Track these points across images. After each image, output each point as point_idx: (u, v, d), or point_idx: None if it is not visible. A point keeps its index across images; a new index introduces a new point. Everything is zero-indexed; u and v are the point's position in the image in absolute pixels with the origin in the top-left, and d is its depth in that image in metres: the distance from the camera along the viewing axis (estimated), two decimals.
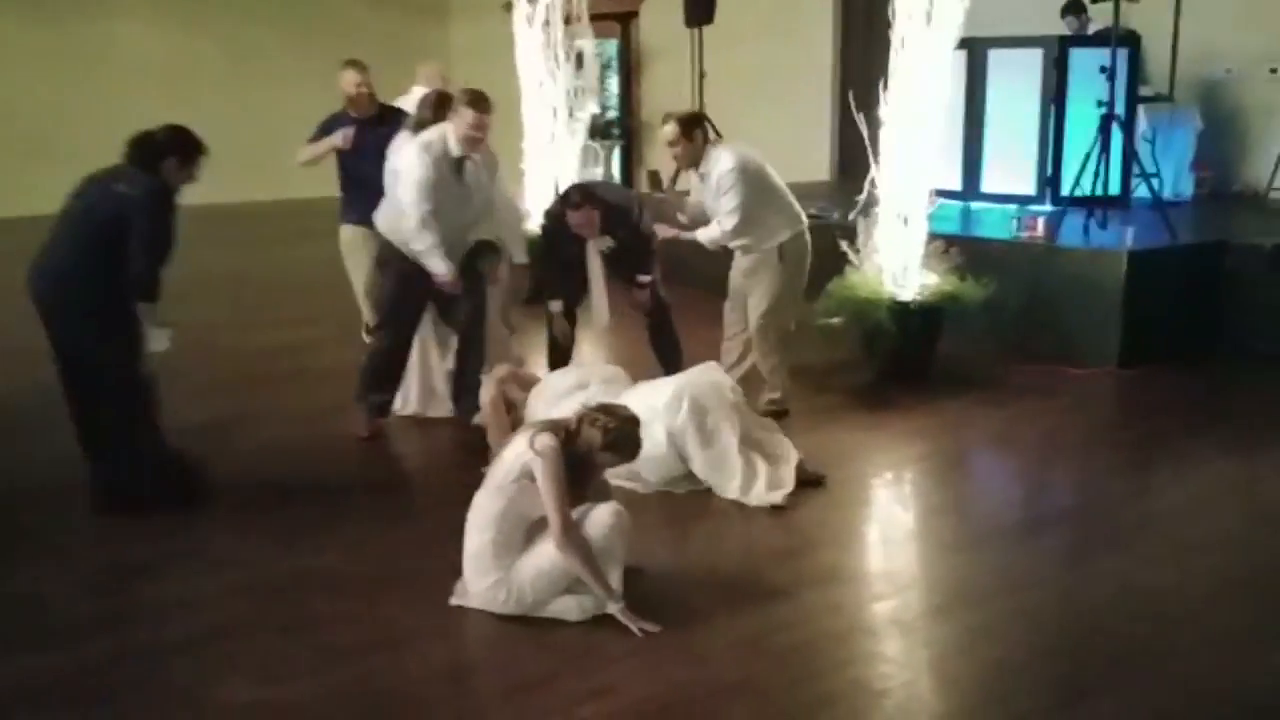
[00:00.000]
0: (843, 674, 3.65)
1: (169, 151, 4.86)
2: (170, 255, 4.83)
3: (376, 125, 6.55)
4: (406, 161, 5.57)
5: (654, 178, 5.79)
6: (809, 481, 5.11)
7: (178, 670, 3.70)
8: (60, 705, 3.54)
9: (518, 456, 3.89)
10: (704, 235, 6.00)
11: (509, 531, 3.93)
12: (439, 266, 5.60)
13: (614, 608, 3.87)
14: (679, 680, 3.59)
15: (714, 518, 4.89)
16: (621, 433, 3.99)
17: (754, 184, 5.88)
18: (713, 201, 5.94)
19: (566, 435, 3.94)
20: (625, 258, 6.15)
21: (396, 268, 5.78)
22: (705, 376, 5.26)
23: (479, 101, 5.54)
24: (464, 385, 5.94)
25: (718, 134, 10.27)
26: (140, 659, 3.77)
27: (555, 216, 6.15)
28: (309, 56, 15.98)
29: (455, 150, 5.57)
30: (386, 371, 5.93)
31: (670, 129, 5.90)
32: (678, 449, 5.04)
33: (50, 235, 4.85)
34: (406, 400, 6.22)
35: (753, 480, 5.01)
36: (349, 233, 6.78)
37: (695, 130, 5.92)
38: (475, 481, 4.13)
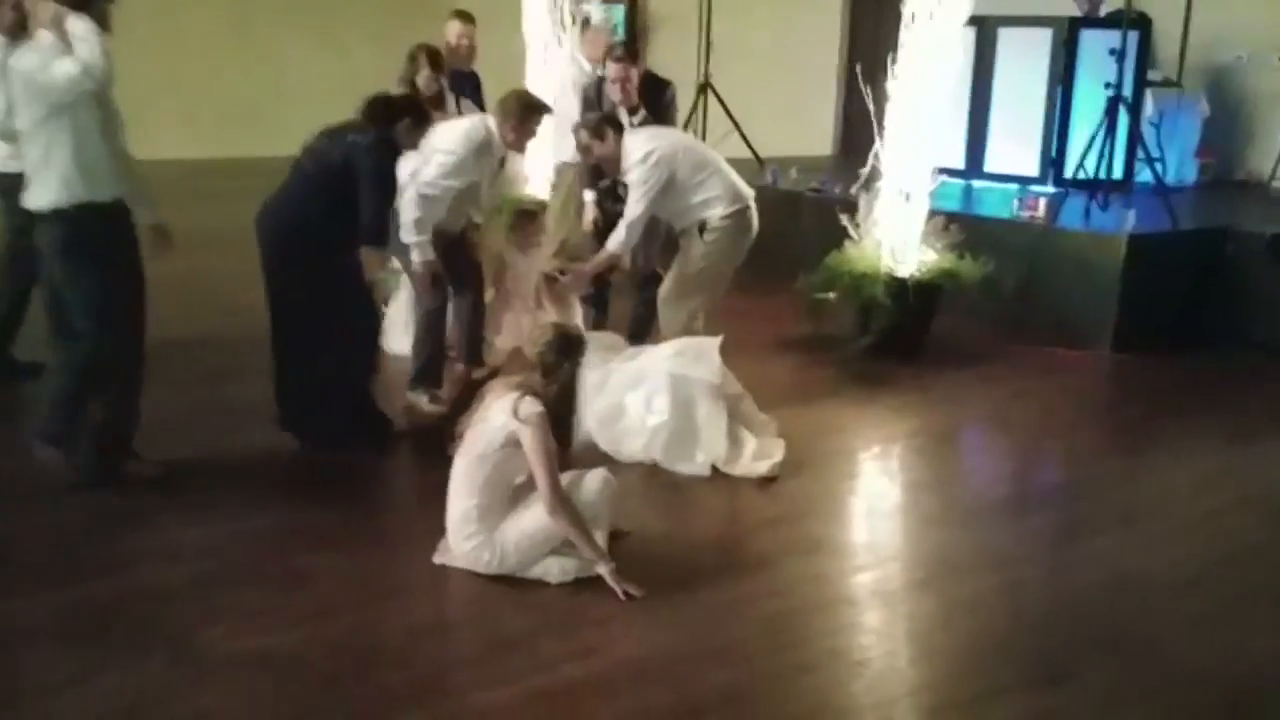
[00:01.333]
0: (823, 643, 3.68)
1: (405, 113, 5.07)
2: (390, 205, 5.10)
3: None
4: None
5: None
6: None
7: (169, 616, 3.73)
8: (54, 643, 3.59)
9: (503, 425, 3.88)
10: (612, 244, 5.63)
11: (493, 495, 3.95)
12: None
13: (604, 569, 3.89)
14: (660, 643, 3.62)
15: (700, 486, 4.90)
16: (557, 344, 3.99)
17: (673, 170, 5.52)
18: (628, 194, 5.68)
19: (534, 390, 3.93)
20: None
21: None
22: (689, 361, 5.13)
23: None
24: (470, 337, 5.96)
25: (724, 107, 10.27)
26: (132, 604, 3.80)
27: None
28: (314, 11, 15.89)
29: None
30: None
31: (581, 136, 5.67)
32: (654, 445, 5.04)
33: (283, 183, 5.05)
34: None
35: (739, 453, 5.02)
36: None
37: (605, 129, 5.58)
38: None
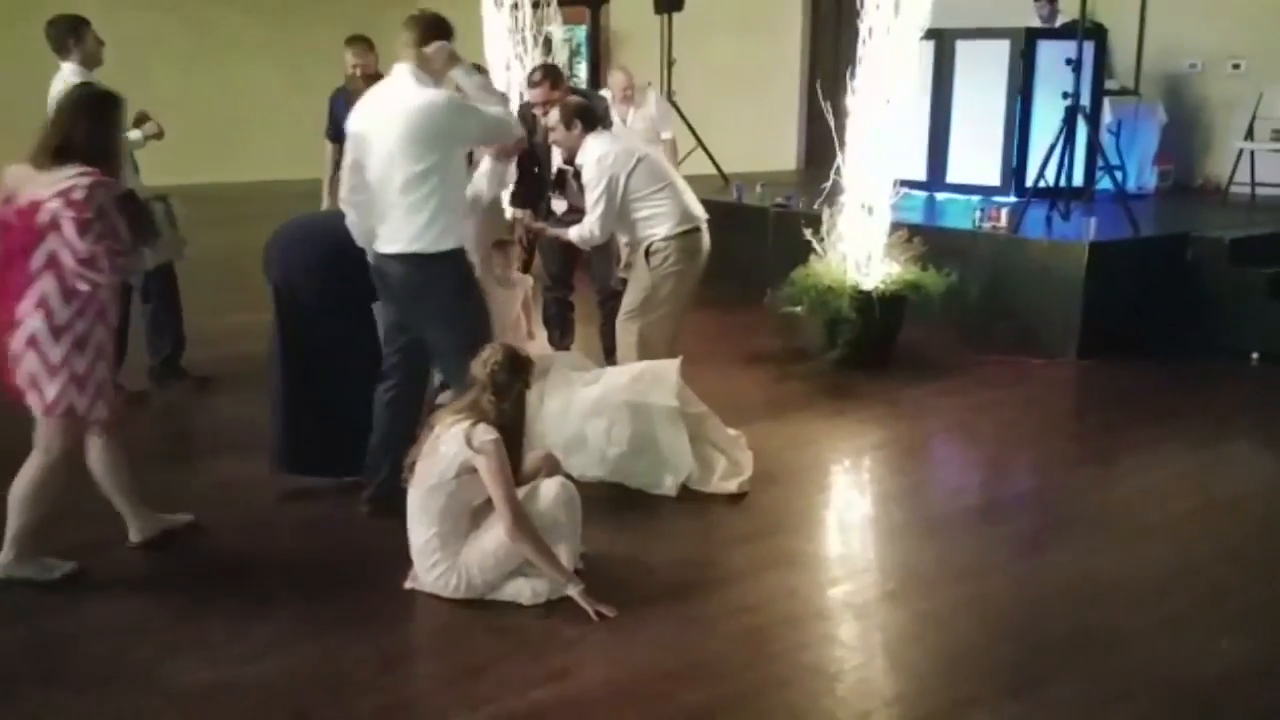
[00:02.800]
0: (797, 657, 3.67)
1: None
2: None
3: None
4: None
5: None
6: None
7: (135, 649, 3.68)
8: (17, 680, 3.51)
9: (456, 455, 3.83)
10: (574, 232, 5.64)
11: (453, 523, 3.91)
12: None
13: (573, 590, 3.87)
14: (633, 663, 3.59)
15: (670, 503, 4.88)
16: (508, 363, 3.92)
17: (625, 177, 5.46)
18: (584, 195, 5.65)
19: (484, 414, 3.88)
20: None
21: None
22: (646, 387, 5.04)
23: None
24: None
25: (688, 125, 10.30)
26: (98, 637, 3.75)
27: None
28: (274, 33, 15.85)
29: None
30: None
31: (553, 115, 5.63)
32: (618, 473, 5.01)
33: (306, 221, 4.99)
34: None
35: (708, 473, 5.00)
36: None
37: (574, 119, 5.54)
38: None
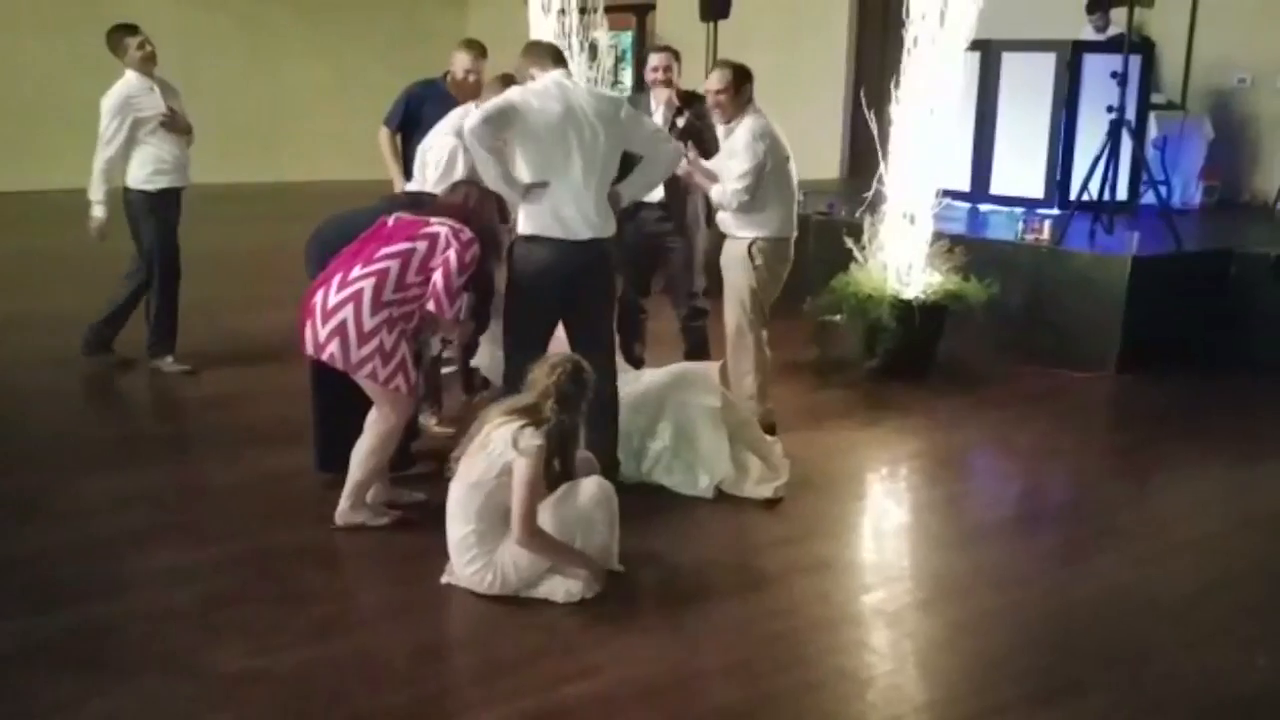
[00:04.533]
0: (828, 661, 3.69)
1: None
2: None
3: None
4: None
5: None
6: None
7: (173, 637, 3.75)
8: (57, 667, 3.58)
9: (500, 454, 3.89)
10: (715, 190, 5.66)
11: (490, 521, 3.95)
12: None
13: (587, 571, 3.94)
14: (665, 663, 3.62)
15: (706, 506, 4.91)
16: (575, 374, 4.00)
17: (769, 163, 5.56)
18: (726, 159, 5.68)
19: (540, 419, 3.94)
20: (698, 145, 5.91)
21: None
22: (690, 387, 5.14)
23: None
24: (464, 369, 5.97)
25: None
26: (136, 624, 3.82)
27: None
28: (325, 36, 16.00)
29: None
30: None
31: (720, 75, 5.63)
32: (656, 470, 5.06)
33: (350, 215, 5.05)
34: None
35: (743, 477, 5.03)
36: None
37: (745, 84, 5.66)
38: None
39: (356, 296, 4.22)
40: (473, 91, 6.04)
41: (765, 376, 5.78)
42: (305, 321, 4.32)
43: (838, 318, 6.85)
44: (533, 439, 3.86)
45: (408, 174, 6.11)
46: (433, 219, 4.40)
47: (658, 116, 6.00)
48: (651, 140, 4.87)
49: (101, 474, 5.14)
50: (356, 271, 4.27)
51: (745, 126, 5.59)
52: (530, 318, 4.72)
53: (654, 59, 6.25)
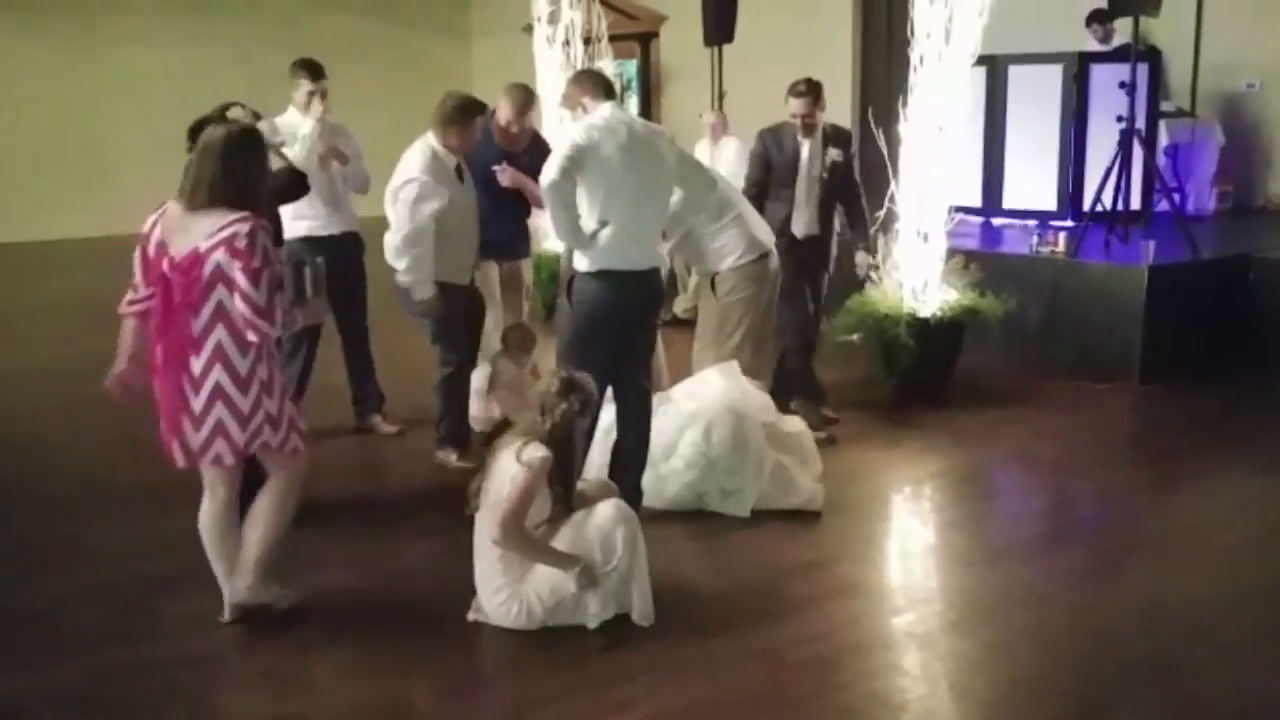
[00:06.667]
0: (861, 686, 3.65)
1: None
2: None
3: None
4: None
5: None
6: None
7: (193, 683, 3.74)
8: (77, 713, 3.58)
9: (507, 470, 3.90)
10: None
11: None
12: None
13: (575, 569, 3.89)
14: (698, 693, 3.60)
15: (735, 532, 4.90)
16: (561, 386, 4.01)
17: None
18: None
19: (541, 434, 3.96)
20: (841, 186, 6.23)
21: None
22: (743, 399, 5.24)
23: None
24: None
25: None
26: (156, 671, 3.81)
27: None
28: (330, 76, 16.06)
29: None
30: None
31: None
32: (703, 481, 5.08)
33: None
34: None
35: (783, 491, 5.09)
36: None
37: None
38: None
39: (219, 394, 3.77)
40: (514, 141, 5.96)
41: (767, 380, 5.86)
42: (171, 442, 3.85)
43: (855, 337, 6.82)
44: (535, 450, 3.88)
45: None
46: (200, 245, 3.68)
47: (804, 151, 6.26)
48: (694, 172, 5.02)
49: (123, 521, 5.15)
50: (198, 367, 3.75)
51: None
52: (594, 349, 4.69)
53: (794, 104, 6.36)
